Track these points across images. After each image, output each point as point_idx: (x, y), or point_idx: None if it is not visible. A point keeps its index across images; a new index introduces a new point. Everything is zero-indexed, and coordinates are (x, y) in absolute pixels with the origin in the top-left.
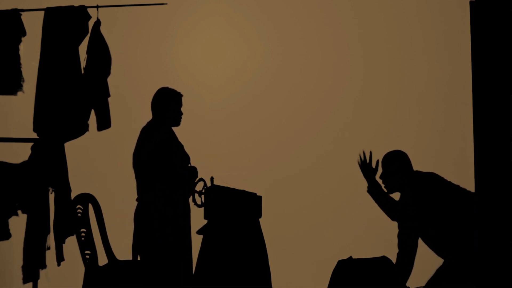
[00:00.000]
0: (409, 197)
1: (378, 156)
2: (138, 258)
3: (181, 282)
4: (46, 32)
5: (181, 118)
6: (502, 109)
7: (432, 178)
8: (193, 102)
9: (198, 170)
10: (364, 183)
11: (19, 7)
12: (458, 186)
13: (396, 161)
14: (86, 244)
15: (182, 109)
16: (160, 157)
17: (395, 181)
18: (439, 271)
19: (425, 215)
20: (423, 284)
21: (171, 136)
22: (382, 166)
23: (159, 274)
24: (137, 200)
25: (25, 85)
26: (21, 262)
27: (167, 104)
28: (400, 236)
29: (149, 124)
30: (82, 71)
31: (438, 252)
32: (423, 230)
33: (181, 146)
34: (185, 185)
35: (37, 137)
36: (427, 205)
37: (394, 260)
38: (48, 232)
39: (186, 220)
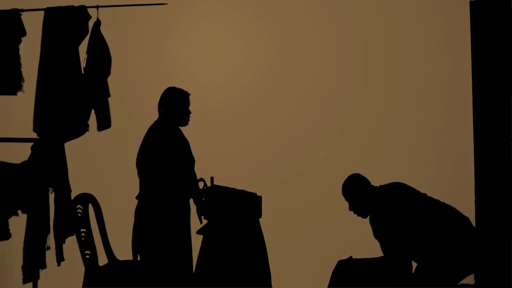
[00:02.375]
0: (377, 214)
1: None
2: (138, 256)
3: (181, 282)
4: (46, 32)
5: (189, 117)
6: (502, 109)
7: (395, 188)
8: (193, 102)
9: (198, 170)
10: None
11: (19, 7)
12: (425, 194)
13: (352, 188)
14: (86, 244)
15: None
16: (167, 157)
17: (362, 206)
18: (413, 275)
19: (395, 225)
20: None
21: (179, 136)
22: (345, 199)
23: (159, 274)
24: (137, 197)
25: (25, 85)
26: (21, 262)
27: (176, 104)
28: (383, 250)
29: (156, 123)
30: (82, 71)
31: (411, 256)
32: (398, 240)
33: (188, 146)
34: (187, 187)
35: (37, 137)
36: (394, 215)
37: None
38: (48, 232)
39: (186, 220)
